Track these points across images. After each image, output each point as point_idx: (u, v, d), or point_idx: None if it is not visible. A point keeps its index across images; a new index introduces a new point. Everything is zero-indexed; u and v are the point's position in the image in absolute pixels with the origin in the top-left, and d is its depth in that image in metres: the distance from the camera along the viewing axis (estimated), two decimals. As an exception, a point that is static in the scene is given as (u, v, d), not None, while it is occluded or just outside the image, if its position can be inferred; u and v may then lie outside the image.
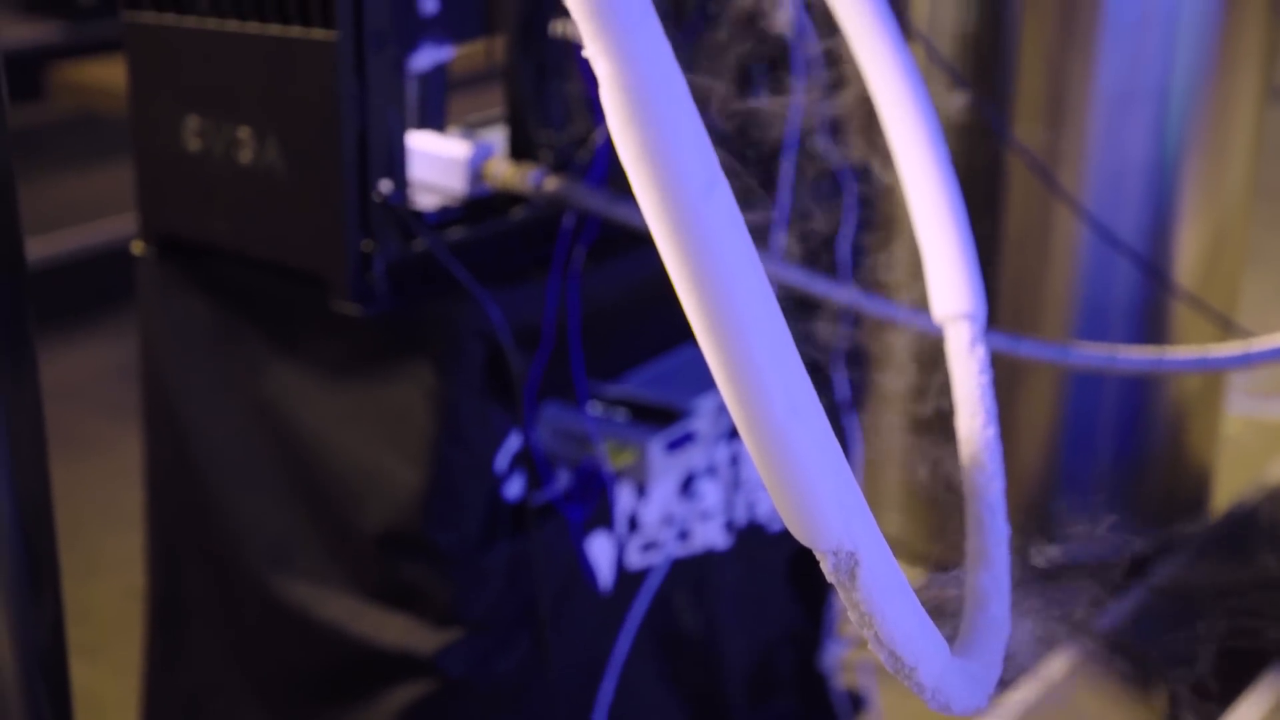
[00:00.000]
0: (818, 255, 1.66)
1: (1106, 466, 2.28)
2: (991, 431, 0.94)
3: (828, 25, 1.38)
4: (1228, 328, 2.15)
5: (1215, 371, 2.23)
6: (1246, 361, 1.24)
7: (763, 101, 1.68)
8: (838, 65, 1.56)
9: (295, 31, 1.29)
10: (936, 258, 1.09)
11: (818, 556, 0.65)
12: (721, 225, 0.60)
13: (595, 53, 0.59)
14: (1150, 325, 2.22)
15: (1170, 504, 2.35)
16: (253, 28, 1.31)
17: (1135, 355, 1.28)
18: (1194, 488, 2.39)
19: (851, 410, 1.77)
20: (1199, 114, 2.14)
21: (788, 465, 0.62)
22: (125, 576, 2.24)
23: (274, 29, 1.30)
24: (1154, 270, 2.18)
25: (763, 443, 0.62)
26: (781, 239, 1.62)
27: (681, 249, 0.60)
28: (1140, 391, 2.26)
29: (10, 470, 0.96)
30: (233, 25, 1.33)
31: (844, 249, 1.69)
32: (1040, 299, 2.19)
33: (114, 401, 2.88)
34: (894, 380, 1.97)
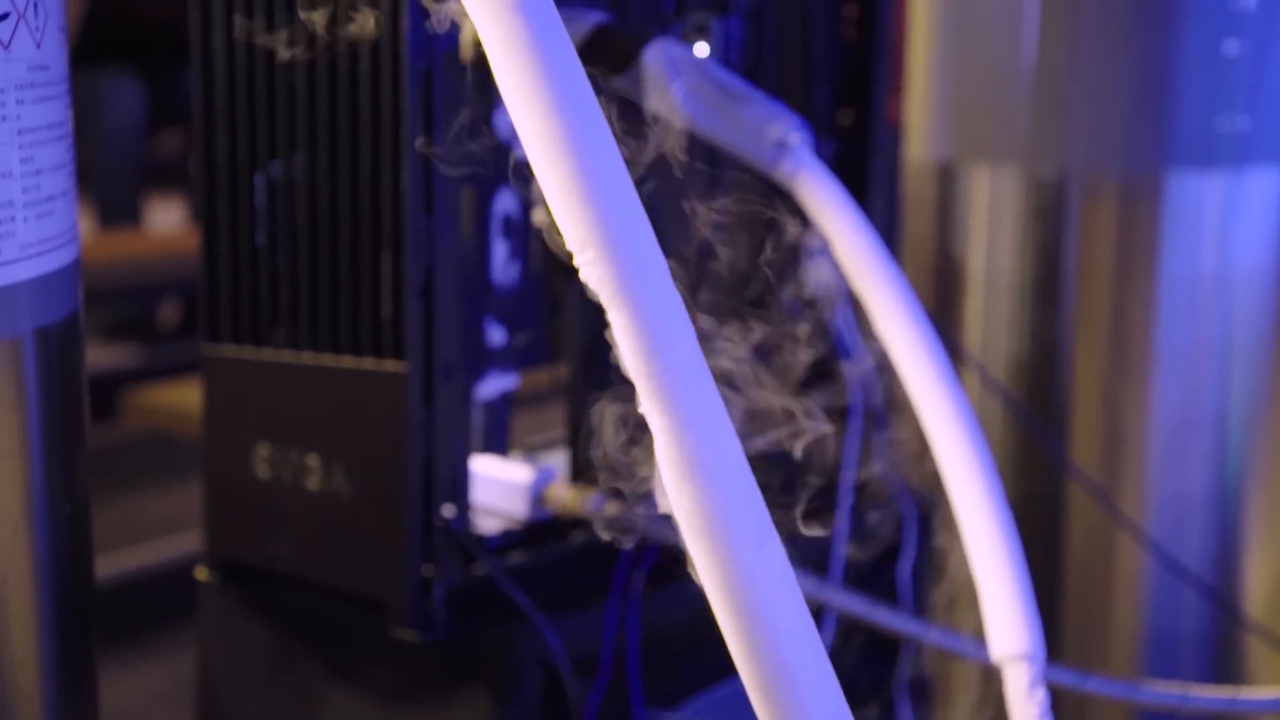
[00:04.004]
0: (878, 581, 1.64)
1: (1185, 808, 2.19)
2: (1054, 781, 0.91)
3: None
4: (1303, 660, 2.09)
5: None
6: (1325, 701, 1.20)
7: (819, 426, 1.70)
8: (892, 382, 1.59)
9: (367, 363, 1.33)
10: (992, 596, 1.08)
11: None
12: (770, 582, 0.61)
13: (650, 410, 0.61)
14: (1222, 658, 2.16)
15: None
16: (326, 359, 1.36)
17: (1208, 694, 1.24)
18: (1278, 829, 2.28)
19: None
20: (1260, 440, 2.14)
21: None
22: None
23: (347, 360, 1.34)
24: (1223, 601, 2.13)
25: None
26: (840, 562, 1.61)
27: (730, 604, 0.61)
28: (1215, 726, 2.18)
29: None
30: (307, 357, 1.37)
31: (905, 575, 1.68)
32: (1106, 631, 2.14)
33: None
34: (964, 707, 1.92)
